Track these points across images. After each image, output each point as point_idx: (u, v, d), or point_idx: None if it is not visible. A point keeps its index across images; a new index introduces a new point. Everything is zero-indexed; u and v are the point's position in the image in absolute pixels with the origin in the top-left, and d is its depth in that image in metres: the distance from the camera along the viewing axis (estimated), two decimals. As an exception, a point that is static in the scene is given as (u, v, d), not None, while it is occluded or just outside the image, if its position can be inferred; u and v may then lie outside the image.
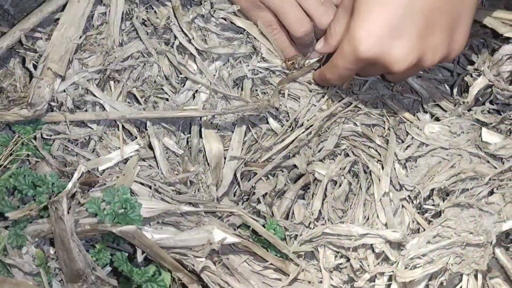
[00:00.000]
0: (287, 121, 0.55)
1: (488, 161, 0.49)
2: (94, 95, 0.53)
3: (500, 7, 0.54)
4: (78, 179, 0.49)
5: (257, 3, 0.55)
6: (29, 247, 0.47)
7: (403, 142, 0.53)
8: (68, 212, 0.45)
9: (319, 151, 0.55)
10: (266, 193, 0.54)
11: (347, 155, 0.55)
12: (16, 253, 0.47)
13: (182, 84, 0.56)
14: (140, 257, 0.47)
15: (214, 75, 0.56)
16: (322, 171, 0.54)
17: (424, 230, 0.50)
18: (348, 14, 0.48)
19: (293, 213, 0.54)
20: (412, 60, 0.46)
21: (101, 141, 0.53)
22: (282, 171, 0.56)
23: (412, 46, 0.45)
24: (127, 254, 0.48)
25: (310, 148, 0.55)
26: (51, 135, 0.52)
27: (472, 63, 0.54)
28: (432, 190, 0.50)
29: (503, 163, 0.49)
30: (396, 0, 0.44)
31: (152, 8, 0.58)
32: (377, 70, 0.50)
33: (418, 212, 0.51)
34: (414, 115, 0.55)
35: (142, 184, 0.50)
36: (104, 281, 0.46)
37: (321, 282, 0.51)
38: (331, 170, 0.54)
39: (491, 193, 0.49)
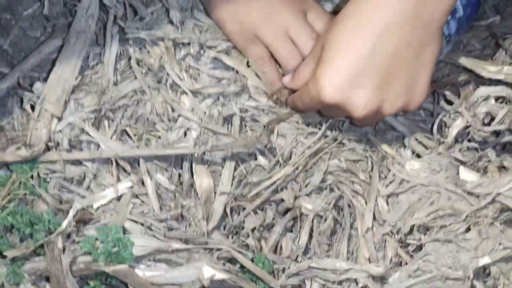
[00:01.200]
0: (274, 156, 0.58)
1: (465, 198, 0.51)
2: (89, 135, 0.55)
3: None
4: (73, 217, 0.51)
5: (251, 37, 0.57)
6: (26, 284, 0.49)
7: (385, 177, 0.56)
8: (63, 252, 0.47)
9: (305, 186, 0.57)
10: (255, 227, 0.56)
11: (332, 190, 0.57)
12: (14, 290, 0.49)
13: (174, 122, 0.59)
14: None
15: (205, 112, 0.58)
16: (308, 206, 0.56)
17: (406, 264, 0.52)
18: (315, 61, 0.51)
19: (281, 247, 0.56)
20: (371, 108, 0.49)
21: (96, 179, 0.55)
22: (271, 205, 0.58)
23: (371, 96, 0.49)
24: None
25: (297, 183, 0.57)
26: (47, 174, 0.54)
27: (451, 103, 0.56)
28: (413, 225, 0.52)
29: (480, 201, 0.51)
30: (357, 54, 0.48)
31: (146, 48, 0.60)
32: (341, 113, 0.53)
33: (401, 246, 0.53)
34: (396, 151, 0.57)
35: (135, 221, 0.52)
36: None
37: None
38: (317, 205, 0.56)
39: (468, 229, 0.52)
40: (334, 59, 0.49)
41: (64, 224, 0.50)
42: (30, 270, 0.49)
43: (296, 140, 0.58)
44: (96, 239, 0.49)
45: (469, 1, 0.57)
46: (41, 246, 0.51)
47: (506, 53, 0.60)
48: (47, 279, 0.50)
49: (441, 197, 0.52)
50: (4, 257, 0.50)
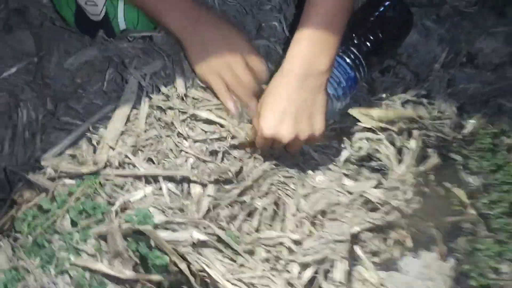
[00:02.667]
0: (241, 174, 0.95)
1: (345, 195, 0.88)
2: (130, 159, 0.94)
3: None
4: (119, 206, 0.89)
5: (216, 77, 0.95)
6: (90, 240, 0.85)
7: (304, 186, 0.93)
8: (115, 221, 0.84)
9: (258, 191, 0.94)
10: (226, 216, 0.93)
11: (273, 193, 0.94)
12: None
13: (179, 154, 0.97)
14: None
15: (198, 149, 0.97)
16: (259, 203, 0.93)
17: (314, 234, 0.88)
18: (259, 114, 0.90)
19: (241, 227, 0.92)
20: (292, 136, 0.87)
21: (132, 185, 0.93)
22: (237, 203, 0.95)
23: (290, 128, 0.87)
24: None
25: (253, 190, 0.94)
26: (105, 181, 0.92)
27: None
28: (317, 211, 0.89)
29: (354, 196, 0.88)
30: (280, 107, 0.87)
31: (163, 111, 1.00)
32: (278, 144, 0.90)
33: (311, 224, 0.89)
34: (313, 171, 0.95)
35: (155, 207, 0.89)
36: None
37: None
38: (265, 202, 0.93)
39: (347, 211, 0.88)
40: (267, 111, 0.88)
41: (115, 206, 0.87)
42: (93, 233, 0.86)
43: (254, 166, 0.96)
44: (135, 215, 0.86)
45: (349, 77, 0.96)
46: (100, 221, 0.87)
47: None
48: (103, 239, 0.86)
49: (332, 195, 0.89)
50: (76, 225, 0.87)
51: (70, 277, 0.84)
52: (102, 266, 0.83)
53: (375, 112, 0.96)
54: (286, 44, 1.06)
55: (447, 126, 1.05)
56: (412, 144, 0.92)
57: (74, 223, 0.88)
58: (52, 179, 0.91)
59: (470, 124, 1.10)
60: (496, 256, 0.98)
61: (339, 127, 0.96)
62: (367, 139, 0.92)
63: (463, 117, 1.11)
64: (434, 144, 0.99)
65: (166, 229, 0.87)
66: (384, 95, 1.04)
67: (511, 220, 1.03)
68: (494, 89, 1.16)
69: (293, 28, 0.98)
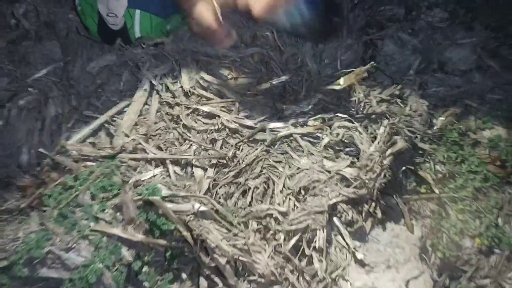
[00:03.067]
0: (236, 159, 1.11)
1: (324, 173, 1.04)
2: (142, 145, 1.10)
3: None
4: (132, 183, 1.04)
5: None
6: (108, 210, 1.00)
7: (290, 167, 1.08)
8: (129, 192, 0.99)
9: (251, 174, 1.10)
10: (224, 193, 1.08)
11: (264, 175, 1.09)
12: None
13: (184, 141, 1.13)
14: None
15: (200, 137, 1.13)
16: (252, 183, 1.08)
17: (297, 208, 1.03)
18: None
19: (237, 203, 1.07)
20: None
21: (143, 167, 1.09)
22: (233, 183, 1.10)
23: None
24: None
25: (247, 172, 1.10)
26: (120, 163, 1.07)
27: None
28: (300, 188, 1.04)
29: (331, 174, 1.03)
30: None
31: (171, 107, 1.16)
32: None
33: (296, 200, 1.04)
34: (298, 156, 1.10)
35: (163, 184, 1.04)
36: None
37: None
38: (257, 182, 1.08)
39: (325, 187, 1.03)
40: None
41: (129, 183, 1.02)
42: (110, 204, 1.01)
43: (248, 152, 1.12)
44: (145, 189, 1.01)
45: None
46: (116, 195, 1.03)
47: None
48: (119, 209, 1.01)
49: (313, 174, 1.04)
50: (95, 198, 1.02)
51: (90, 241, 0.99)
52: (117, 230, 0.98)
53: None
54: (276, 51, 1.24)
55: (417, 122, 1.21)
56: (381, 130, 1.07)
57: (93, 197, 1.04)
58: (76, 161, 1.07)
59: (440, 121, 1.26)
60: (459, 232, 1.12)
61: (321, 117, 1.12)
62: (344, 127, 1.08)
63: (434, 115, 1.27)
64: (405, 135, 1.14)
65: (172, 201, 1.02)
66: (362, 95, 1.20)
67: (473, 203, 1.17)
68: (461, 91, 1.32)
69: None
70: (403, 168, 1.13)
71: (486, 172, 1.19)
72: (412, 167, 1.15)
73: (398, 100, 1.23)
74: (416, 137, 1.17)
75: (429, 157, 1.20)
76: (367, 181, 1.01)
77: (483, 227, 1.14)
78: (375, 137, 1.09)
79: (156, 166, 1.10)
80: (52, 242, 0.95)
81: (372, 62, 1.14)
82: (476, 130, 1.28)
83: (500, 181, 1.20)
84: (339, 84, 1.15)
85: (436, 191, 1.13)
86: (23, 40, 1.27)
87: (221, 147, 1.13)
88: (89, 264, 0.94)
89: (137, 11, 1.19)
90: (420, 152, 1.20)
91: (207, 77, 1.18)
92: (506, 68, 1.36)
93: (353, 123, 1.09)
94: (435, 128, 1.25)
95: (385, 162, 1.04)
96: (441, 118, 1.26)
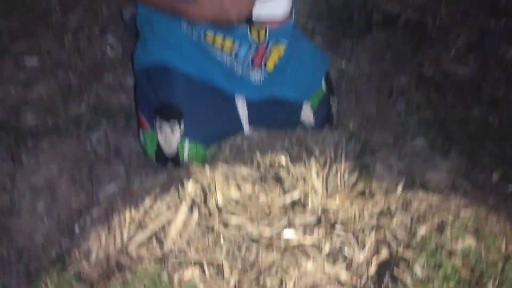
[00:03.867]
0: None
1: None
2: (183, 249, 1.43)
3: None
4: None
5: None
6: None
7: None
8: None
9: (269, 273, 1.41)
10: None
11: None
12: None
13: (216, 244, 1.46)
14: None
15: (231, 245, 1.46)
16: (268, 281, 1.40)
17: None
18: None
19: (256, 298, 1.38)
20: None
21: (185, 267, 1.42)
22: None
23: None
24: None
25: (267, 272, 1.42)
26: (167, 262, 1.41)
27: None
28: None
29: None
30: None
31: (207, 218, 1.51)
32: None
33: None
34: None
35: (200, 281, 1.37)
36: None
37: None
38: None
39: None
40: None
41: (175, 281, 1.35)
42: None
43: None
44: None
45: None
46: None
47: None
48: None
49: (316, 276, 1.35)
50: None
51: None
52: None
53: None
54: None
55: (401, 233, 1.53)
56: (370, 240, 1.39)
57: None
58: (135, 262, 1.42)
59: (420, 233, 1.57)
60: None
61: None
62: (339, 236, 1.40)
63: (416, 228, 1.58)
64: (389, 245, 1.45)
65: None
66: (357, 210, 1.53)
67: None
68: (439, 209, 1.64)
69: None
70: (387, 271, 1.43)
71: (458, 278, 1.48)
72: (394, 272, 1.45)
73: (387, 214, 1.55)
74: (400, 245, 1.48)
75: (409, 264, 1.50)
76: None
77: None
78: (364, 245, 1.41)
79: (194, 265, 1.43)
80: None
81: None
82: (452, 241, 1.58)
83: (469, 284, 1.48)
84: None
85: (415, 292, 1.43)
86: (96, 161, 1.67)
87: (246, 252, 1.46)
88: None
89: (186, 142, 1.58)
90: (403, 259, 1.50)
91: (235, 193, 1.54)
92: (477, 188, 1.68)
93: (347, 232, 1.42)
94: (417, 238, 1.56)
95: (370, 269, 1.35)
96: (422, 231, 1.57)
